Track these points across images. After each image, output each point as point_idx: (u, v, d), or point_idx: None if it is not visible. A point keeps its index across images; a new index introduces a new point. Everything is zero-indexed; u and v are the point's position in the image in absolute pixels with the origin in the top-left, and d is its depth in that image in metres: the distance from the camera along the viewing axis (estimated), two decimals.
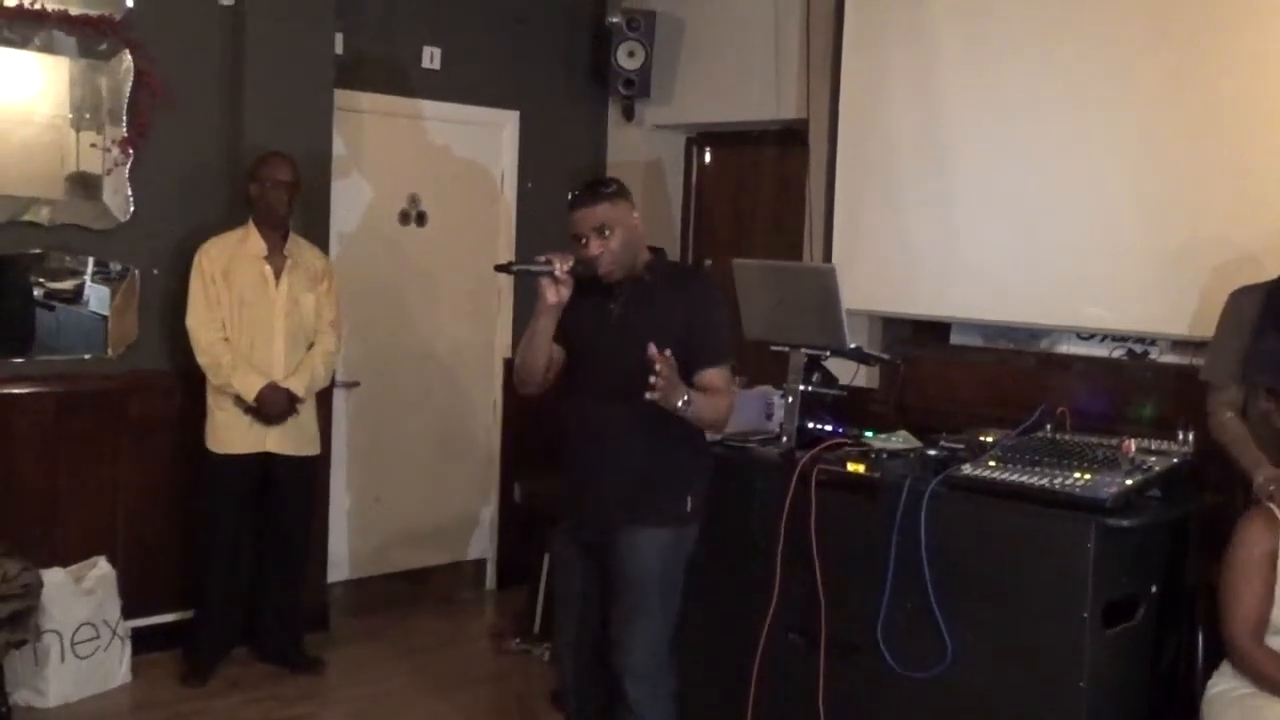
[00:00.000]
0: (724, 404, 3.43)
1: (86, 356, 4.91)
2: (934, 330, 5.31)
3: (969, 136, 4.93)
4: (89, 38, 4.75)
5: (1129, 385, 4.65)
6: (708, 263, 6.36)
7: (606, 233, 3.37)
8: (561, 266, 3.31)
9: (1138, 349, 4.73)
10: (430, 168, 5.99)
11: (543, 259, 3.34)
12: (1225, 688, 3.26)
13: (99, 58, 4.79)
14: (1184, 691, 3.49)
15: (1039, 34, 4.72)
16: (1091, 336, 4.83)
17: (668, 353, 3.16)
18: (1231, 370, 3.74)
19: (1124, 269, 4.51)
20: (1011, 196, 4.79)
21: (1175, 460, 3.47)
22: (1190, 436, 3.57)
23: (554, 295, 3.33)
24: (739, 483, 3.82)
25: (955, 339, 5.25)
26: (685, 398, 3.23)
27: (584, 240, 3.39)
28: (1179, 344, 4.57)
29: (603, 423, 3.47)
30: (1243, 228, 4.21)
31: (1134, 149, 4.49)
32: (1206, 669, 3.39)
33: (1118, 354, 4.78)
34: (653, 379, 3.13)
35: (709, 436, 3.69)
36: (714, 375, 3.40)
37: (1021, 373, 4.94)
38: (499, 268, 3.62)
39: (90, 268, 4.90)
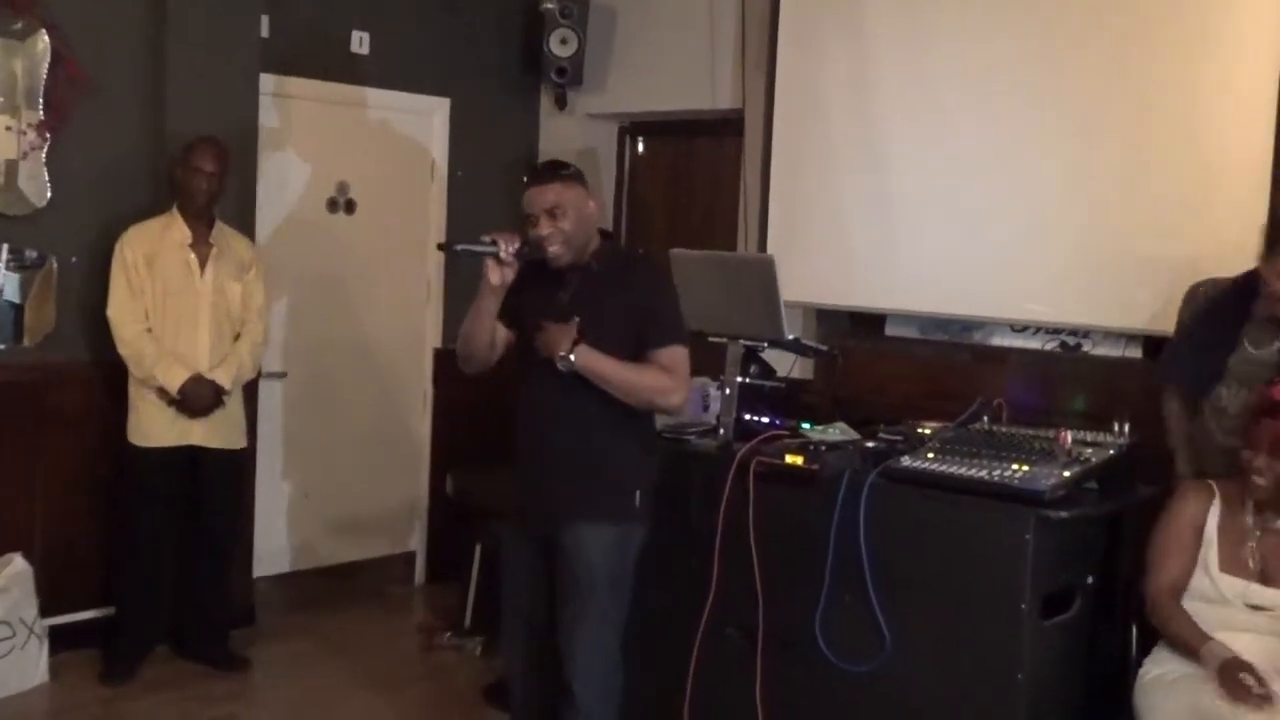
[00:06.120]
0: (651, 375, 3.32)
1: (1, 347, 4.76)
2: (869, 322, 5.30)
3: (904, 129, 4.93)
4: (3, 17, 4.59)
5: (1062, 377, 4.69)
6: (639, 251, 6.30)
7: (558, 214, 3.32)
8: (506, 248, 3.25)
9: (1071, 342, 4.75)
10: (359, 154, 5.88)
11: (488, 239, 3.28)
12: (1159, 673, 3.31)
13: (13, 37, 4.63)
14: (1118, 683, 3.50)
15: (974, 29, 4.73)
16: (1025, 329, 4.85)
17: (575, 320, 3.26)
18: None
19: (1057, 263, 4.55)
20: (946, 189, 4.80)
21: (1112, 452, 3.48)
22: (1126, 428, 3.58)
23: (498, 277, 3.28)
24: (676, 475, 3.77)
25: (890, 331, 5.25)
26: (567, 351, 3.24)
27: (535, 219, 3.34)
28: (1111, 336, 4.61)
29: (549, 415, 3.41)
30: (1175, 223, 4.26)
31: (1068, 144, 4.52)
32: (1139, 661, 3.42)
33: (1051, 347, 4.81)
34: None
35: (660, 421, 3.65)
36: (662, 354, 3.34)
37: (956, 365, 4.96)
38: (441, 246, 3.56)
39: (4, 254, 4.73)
